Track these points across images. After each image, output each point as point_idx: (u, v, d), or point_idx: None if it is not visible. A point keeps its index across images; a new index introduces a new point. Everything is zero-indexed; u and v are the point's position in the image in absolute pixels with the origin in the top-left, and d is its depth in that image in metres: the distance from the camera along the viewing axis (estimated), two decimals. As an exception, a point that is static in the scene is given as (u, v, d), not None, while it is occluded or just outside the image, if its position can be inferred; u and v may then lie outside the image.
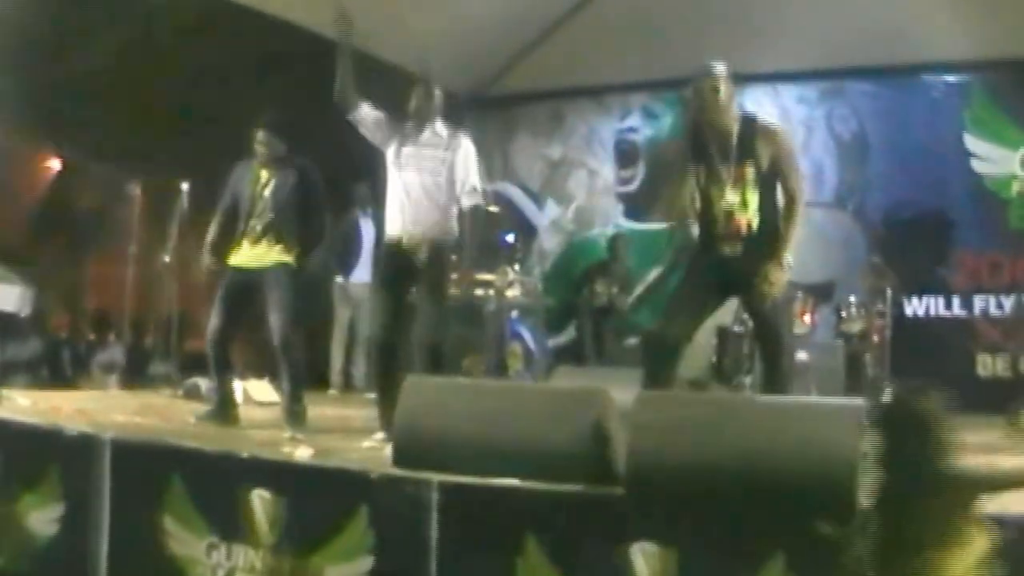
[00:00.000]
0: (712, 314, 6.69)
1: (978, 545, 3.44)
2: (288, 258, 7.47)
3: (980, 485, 3.51)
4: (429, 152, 7.03)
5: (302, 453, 5.78)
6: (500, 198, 11.97)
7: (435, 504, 5.02)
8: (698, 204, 6.25)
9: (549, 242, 13.15)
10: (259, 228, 7.46)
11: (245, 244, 7.49)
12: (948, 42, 10.60)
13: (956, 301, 11.26)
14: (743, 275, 6.09)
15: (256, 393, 8.74)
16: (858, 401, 5.41)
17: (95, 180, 12.41)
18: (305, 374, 7.68)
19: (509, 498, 4.95)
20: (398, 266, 7.03)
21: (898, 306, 10.65)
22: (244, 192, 7.54)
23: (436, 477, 5.04)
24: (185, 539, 5.60)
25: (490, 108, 13.19)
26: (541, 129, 13.30)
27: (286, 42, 10.05)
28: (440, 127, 7.15)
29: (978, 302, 11.18)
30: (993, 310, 11.11)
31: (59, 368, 11.96)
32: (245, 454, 5.80)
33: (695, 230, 6.35)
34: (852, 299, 10.25)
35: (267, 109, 7.82)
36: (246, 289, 7.45)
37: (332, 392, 10.79)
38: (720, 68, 6.13)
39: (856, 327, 10.09)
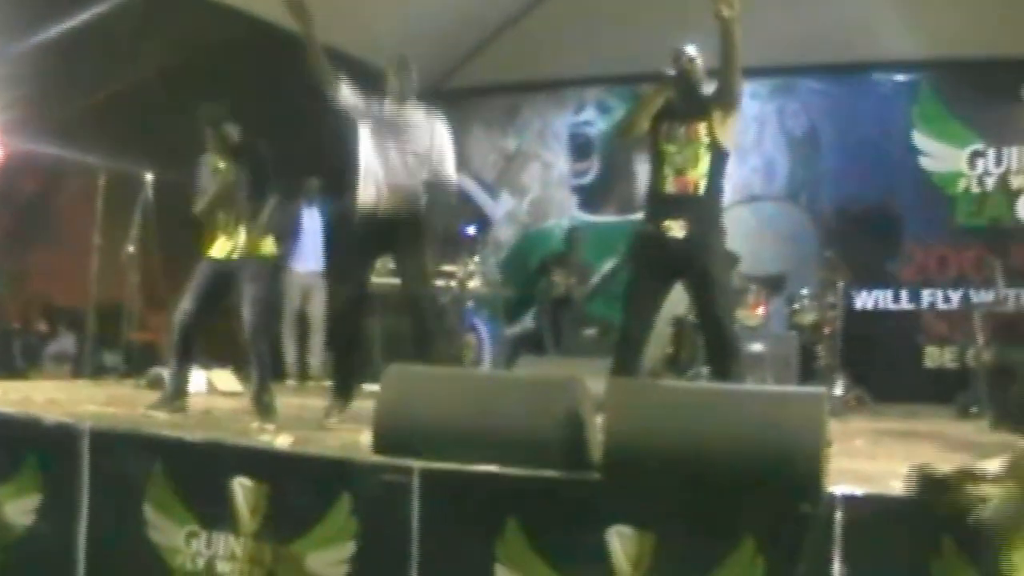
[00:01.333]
0: (664, 300, 6.90)
1: None
2: (266, 250, 7.53)
3: None
4: (406, 129, 7.31)
5: (282, 441, 5.87)
6: (455, 190, 12.09)
7: (416, 490, 5.14)
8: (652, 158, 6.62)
9: (504, 233, 13.28)
10: (232, 219, 7.46)
11: (221, 237, 7.49)
12: (897, 41, 10.85)
13: (904, 294, 11.56)
14: (687, 258, 6.37)
15: (220, 383, 8.82)
16: (822, 389, 5.65)
17: (44, 168, 12.35)
18: (271, 366, 7.72)
19: (489, 484, 5.06)
20: (370, 233, 7.24)
21: (848, 298, 10.89)
22: (211, 184, 7.53)
23: (417, 464, 5.18)
24: (165, 527, 5.63)
25: (446, 101, 13.23)
26: (496, 122, 13.43)
27: (237, 31, 10.09)
28: (416, 106, 7.43)
29: (925, 295, 11.49)
30: (940, 303, 11.42)
31: (10, 359, 11.93)
32: (227, 442, 5.84)
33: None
34: (804, 291, 10.43)
35: (217, 98, 7.78)
36: (222, 280, 7.45)
37: (290, 382, 10.87)
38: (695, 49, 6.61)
39: (808, 319, 10.26)
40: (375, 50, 11.42)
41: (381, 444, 5.43)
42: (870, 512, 4.59)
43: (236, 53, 10.23)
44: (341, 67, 10.80)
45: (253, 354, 7.45)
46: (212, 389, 8.79)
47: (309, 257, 11.42)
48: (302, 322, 11.42)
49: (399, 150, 7.25)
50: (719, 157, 6.49)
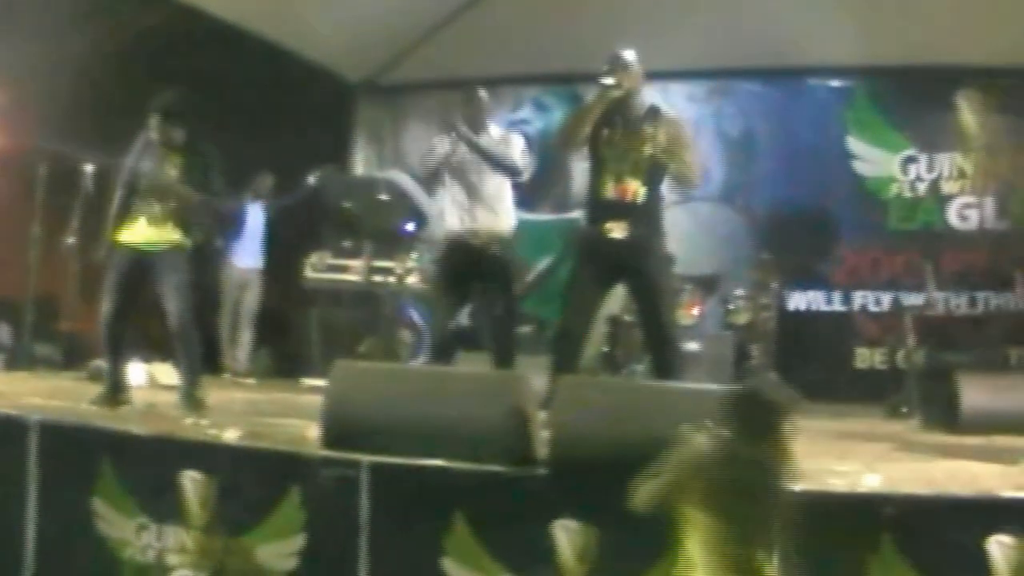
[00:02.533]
0: (605, 300, 7.09)
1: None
2: (183, 239, 7.49)
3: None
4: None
5: (231, 435, 5.99)
6: (392, 186, 12.17)
7: (364, 484, 5.31)
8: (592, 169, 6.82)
9: (440, 230, 13.36)
10: (161, 211, 7.43)
11: (142, 224, 7.45)
12: (834, 47, 11.08)
13: (836, 296, 11.81)
14: (628, 260, 6.56)
15: (162, 376, 8.87)
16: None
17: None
18: (201, 358, 7.72)
19: (437, 478, 5.23)
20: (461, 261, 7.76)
21: (782, 299, 11.15)
22: (146, 172, 7.49)
23: (365, 458, 5.34)
24: (115, 520, 5.75)
25: (382, 96, 13.42)
26: (433, 118, 13.48)
27: (189, 27, 10.16)
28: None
29: (857, 297, 11.75)
30: (872, 306, 11.69)
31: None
32: (176, 436, 5.96)
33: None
34: (739, 292, 10.66)
35: (168, 92, 7.74)
36: (140, 270, 7.41)
37: (226, 376, 10.95)
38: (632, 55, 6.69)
39: (743, 319, 10.50)
40: (311, 44, 11.60)
41: (329, 438, 5.59)
42: (808, 509, 4.81)
43: (186, 46, 10.28)
44: (276, 61, 11.03)
45: (181, 347, 7.46)
46: (153, 383, 8.86)
47: (248, 253, 11.49)
48: (235, 316, 11.48)
49: (480, 181, 7.91)
50: (659, 166, 6.66)
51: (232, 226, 11.29)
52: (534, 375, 5.99)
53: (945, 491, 5.17)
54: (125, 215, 7.51)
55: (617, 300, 9.06)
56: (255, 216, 11.55)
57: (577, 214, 11.68)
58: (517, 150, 7.83)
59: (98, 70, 10.04)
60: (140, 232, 7.46)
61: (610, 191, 6.62)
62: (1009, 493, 5.09)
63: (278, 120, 11.32)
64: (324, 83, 12.52)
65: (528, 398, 5.48)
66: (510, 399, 5.42)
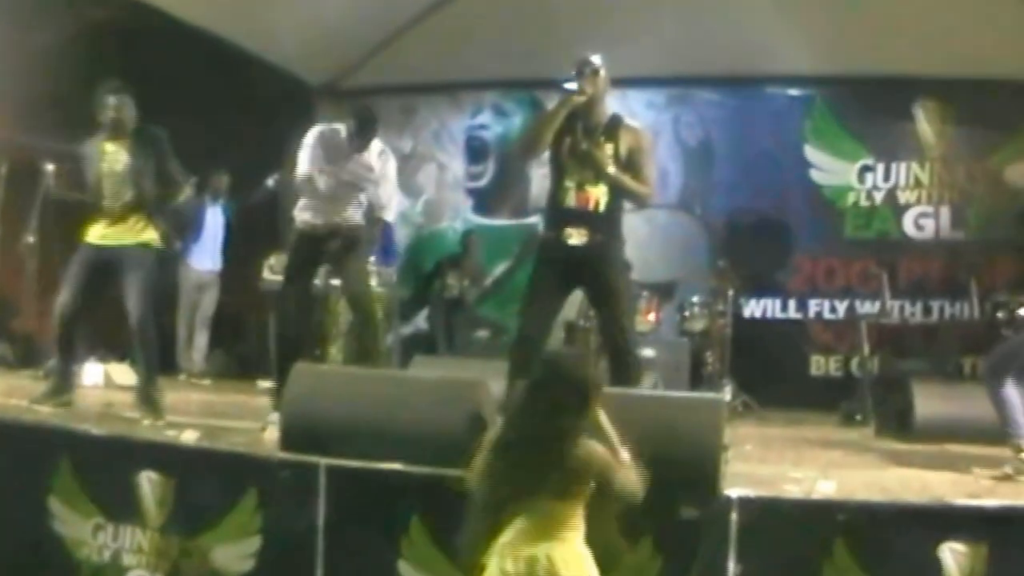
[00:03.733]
0: (563, 306, 7.13)
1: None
2: (150, 238, 7.47)
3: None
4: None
5: (188, 436, 6.01)
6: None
7: (322, 486, 5.34)
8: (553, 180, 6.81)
9: (399, 235, 13.39)
10: (118, 206, 7.40)
11: (104, 222, 7.41)
12: (792, 56, 11.16)
13: (792, 304, 11.92)
14: (588, 266, 6.61)
15: (118, 376, 8.86)
16: (721, 396, 5.95)
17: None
18: (158, 358, 7.64)
19: (393, 481, 5.28)
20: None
21: (737, 306, 11.23)
22: (97, 168, 7.45)
23: (323, 461, 5.38)
24: (71, 520, 5.76)
25: (343, 100, 13.40)
26: (393, 122, 13.43)
27: (151, 26, 10.15)
28: (375, 146, 7.82)
29: (813, 305, 11.86)
30: (827, 313, 11.80)
31: None
32: (133, 437, 5.99)
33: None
34: (695, 299, 10.75)
35: (113, 78, 7.66)
36: (103, 267, 7.36)
37: (182, 377, 10.95)
38: (600, 60, 6.68)
39: (699, 326, 10.59)
40: (272, 46, 11.60)
41: (288, 441, 5.63)
42: (764, 514, 4.90)
43: (147, 46, 10.26)
44: (237, 62, 11.03)
45: (139, 347, 7.38)
46: (109, 382, 8.84)
47: (207, 255, 11.47)
48: (191, 317, 11.47)
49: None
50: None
51: (190, 228, 11.24)
52: (492, 379, 6.04)
53: (898, 498, 5.29)
54: (87, 210, 7.49)
55: (573, 306, 9.10)
56: (214, 218, 11.52)
57: (535, 219, 11.86)
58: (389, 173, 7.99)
59: (58, 68, 10.00)
60: (105, 229, 7.42)
61: (571, 199, 6.64)
62: (961, 501, 5.21)
63: (238, 122, 11.31)
64: (285, 85, 12.51)
65: (487, 402, 5.54)
66: (468, 404, 5.47)
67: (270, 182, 11.35)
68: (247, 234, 11.66)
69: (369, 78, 12.99)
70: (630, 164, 6.63)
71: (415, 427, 5.42)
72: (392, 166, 8.02)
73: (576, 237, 6.59)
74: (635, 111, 12.23)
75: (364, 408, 5.57)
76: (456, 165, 13.36)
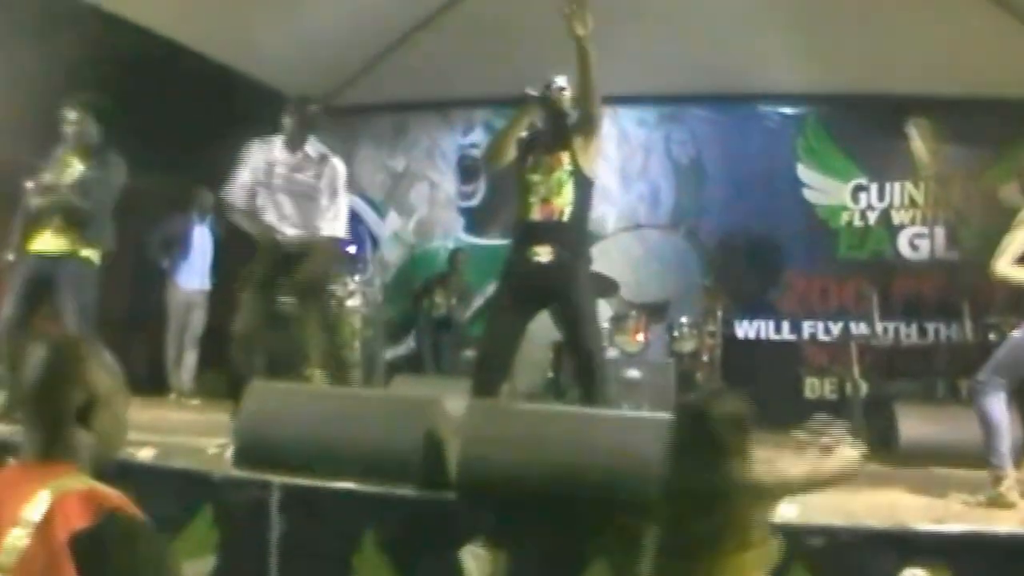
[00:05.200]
0: (528, 323, 7.12)
1: (765, 551, 3.75)
2: (89, 252, 7.45)
3: (769, 492, 3.88)
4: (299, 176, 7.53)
5: (144, 454, 6.01)
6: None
7: (276, 504, 5.36)
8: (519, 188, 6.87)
9: (390, 253, 13.43)
10: (62, 219, 7.39)
11: (47, 233, 7.41)
12: (785, 74, 11.18)
13: (785, 325, 11.88)
14: (553, 286, 6.62)
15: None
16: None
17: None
18: None
19: (347, 500, 5.31)
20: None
21: (729, 327, 11.21)
22: (50, 178, 7.45)
23: (277, 478, 5.39)
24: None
25: (335, 118, 13.43)
26: (385, 140, 13.55)
27: (140, 46, 10.17)
28: (311, 149, 7.62)
29: (806, 326, 11.81)
30: (821, 335, 11.75)
31: None
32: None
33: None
34: (684, 319, 10.70)
35: (82, 89, 7.74)
36: (44, 278, 7.36)
37: (171, 396, 10.95)
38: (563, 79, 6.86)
39: (688, 346, 10.54)
40: (263, 67, 11.63)
41: (242, 458, 5.63)
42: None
43: (136, 65, 10.28)
44: (228, 84, 11.05)
45: None
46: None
47: (195, 274, 11.48)
48: (181, 337, 11.48)
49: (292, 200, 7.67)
50: (583, 185, 6.75)
51: (178, 246, 11.29)
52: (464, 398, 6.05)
53: (860, 523, 5.25)
54: (31, 222, 7.47)
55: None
56: (202, 236, 11.54)
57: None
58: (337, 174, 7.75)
59: (45, 87, 10.04)
60: (45, 240, 7.43)
61: (536, 213, 6.69)
62: (923, 526, 5.17)
63: (227, 140, 11.33)
64: (275, 104, 12.51)
65: (443, 421, 5.54)
66: (425, 422, 5.48)
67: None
68: (235, 252, 11.65)
69: (361, 96, 13.00)
70: (581, 123, 6.74)
71: (369, 445, 5.43)
72: (339, 174, 7.75)
73: (543, 255, 6.61)
74: (626, 129, 12.37)
75: (319, 426, 5.59)
76: (448, 184, 13.38)
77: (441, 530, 5.17)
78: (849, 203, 11.81)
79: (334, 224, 7.64)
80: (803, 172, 11.91)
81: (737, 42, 10.79)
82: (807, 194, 11.90)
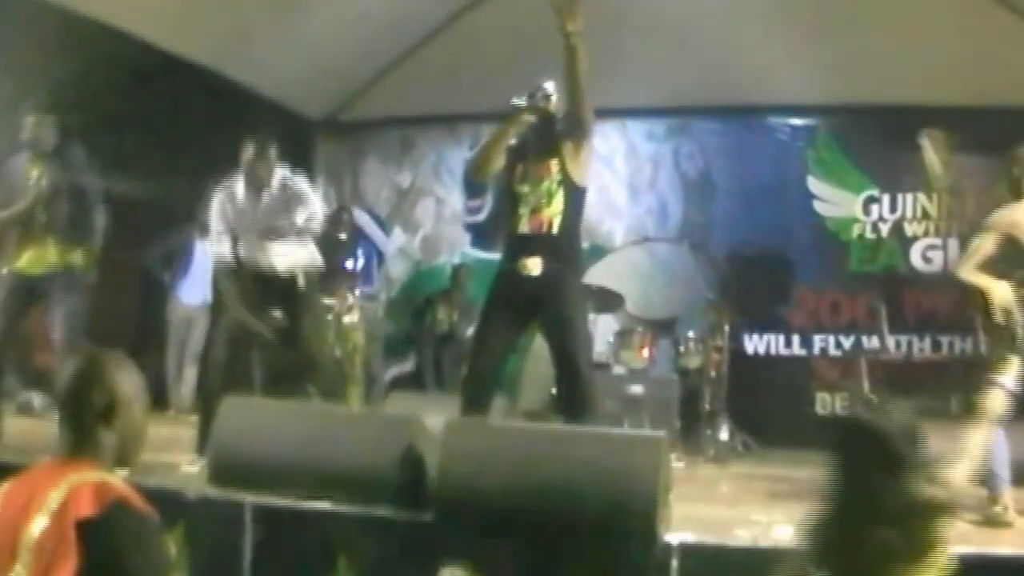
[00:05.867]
0: (518, 338, 7.01)
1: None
2: (75, 261, 7.44)
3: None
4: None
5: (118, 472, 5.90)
6: (349, 224, 12.16)
7: (248, 525, 5.26)
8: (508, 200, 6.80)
9: (395, 269, 13.33)
10: (38, 228, 7.36)
11: (30, 247, 7.39)
12: (795, 85, 11.01)
13: (796, 339, 11.69)
14: (542, 297, 6.50)
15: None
16: (659, 433, 5.76)
17: None
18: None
19: (321, 521, 5.22)
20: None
21: (737, 342, 11.04)
22: (17, 187, 7.41)
23: (250, 498, 5.28)
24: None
25: (340, 133, 13.39)
26: (391, 155, 13.45)
27: (145, 62, 10.14)
28: (277, 180, 7.51)
29: (817, 341, 11.61)
30: (832, 349, 11.55)
31: None
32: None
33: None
34: (690, 334, 10.55)
35: (41, 92, 7.72)
36: (28, 294, 7.34)
37: (171, 413, 10.86)
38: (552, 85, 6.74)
39: (694, 362, 10.39)
40: (270, 82, 11.58)
41: (216, 477, 5.53)
42: (707, 561, 4.74)
43: (141, 81, 10.25)
44: (235, 98, 11.00)
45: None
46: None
47: (197, 289, 11.40)
48: (181, 352, 11.41)
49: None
50: (574, 194, 6.65)
51: (179, 261, 11.25)
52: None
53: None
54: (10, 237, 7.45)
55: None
56: (203, 251, 11.45)
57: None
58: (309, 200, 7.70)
59: (56, 105, 10.03)
60: (27, 257, 7.41)
61: (525, 225, 6.60)
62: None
63: (230, 154, 11.28)
64: (282, 120, 12.47)
65: (423, 440, 5.43)
66: (402, 441, 5.37)
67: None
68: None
69: (366, 110, 12.97)
70: (570, 129, 6.60)
71: (345, 464, 5.32)
72: (310, 197, 7.73)
73: (533, 268, 6.52)
74: (634, 142, 12.25)
75: (294, 444, 5.50)
76: (454, 199, 13.26)
77: (418, 552, 5.08)
78: (860, 215, 11.59)
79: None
80: (814, 184, 11.70)
81: (746, 52, 10.67)
82: (817, 206, 11.69)
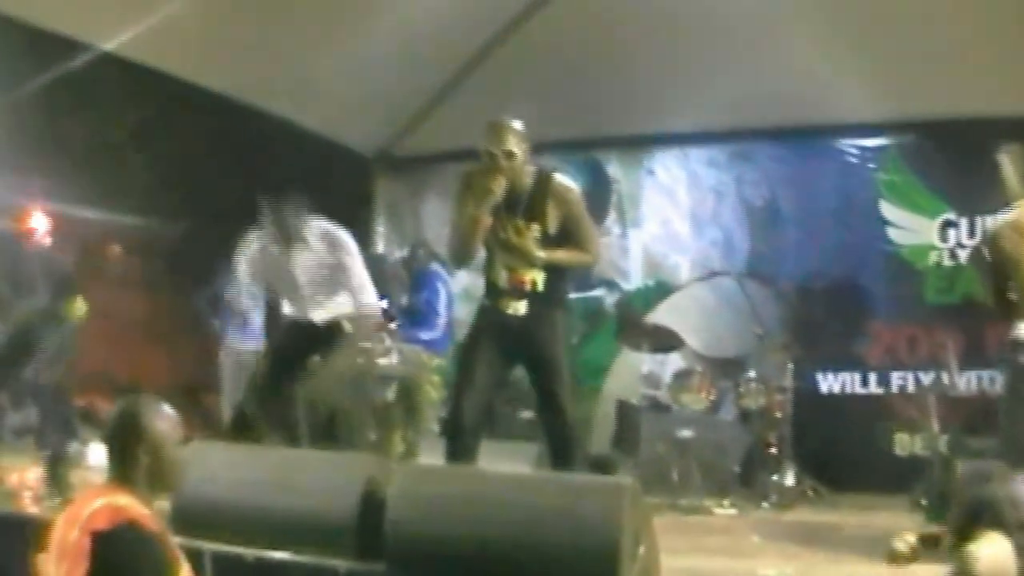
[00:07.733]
0: (504, 380, 6.95)
1: None
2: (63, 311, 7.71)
3: None
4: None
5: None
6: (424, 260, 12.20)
7: (209, 573, 5.25)
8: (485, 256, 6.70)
9: (460, 311, 13.28)
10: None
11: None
12: (861, 103, 10.84)
13: (872, 377, 11.45)
14: (525, 336, 6.42)
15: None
16: (624, 479, 5.63)
17: None
18: (70, 429, 7.80)
19: (278, 572, 5.19)
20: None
21: (808, 381, 10.86)
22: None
23: (209, 547, 5.28)
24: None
25: (397, 169, 13.45)
26: (449, 190, 13.38)
27: (196, 103, 10.32)
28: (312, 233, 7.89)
29: (895, 378, 11.36)
30: (910, 386, 11.25)
31: None
32: (24, 516, 6.01)
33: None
34: (751, 374, 10.41)
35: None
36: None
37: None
38: (516, 124, 6.66)
39: (756, 403, 10.22)
40: (322, 118, 11.70)
41: (177, 523, 5.54)
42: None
43: (194, 124, 10.46)
44: (293, 139, 11.15)
45: (41, 415, 7.65)
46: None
47: (249, 334, 11.50)
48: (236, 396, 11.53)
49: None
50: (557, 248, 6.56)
51: (227, 307, 11.36)
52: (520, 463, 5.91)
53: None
54: None
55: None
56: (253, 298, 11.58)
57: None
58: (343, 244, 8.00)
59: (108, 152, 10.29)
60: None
61: (504, 281, 6.55)
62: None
63: (281, 194, 11.40)
64: (339, 158, 12.58)
65: (383, 485, 5.38)
66: (362, 485, 5.33)
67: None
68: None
69: (424, 144, 13.00)
70: (564, 235, 6.50)
71: (306, 512, 5.31)
72: (344, 244, 7.89)
73: (518, 309, 6.46)
74: (696, 171, 12.13)
75: (256, 489, 5.49)
76: (520, 235, 13.16)
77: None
78: (937, 242, 11.32)
79: (361, 295, 7.72)
80: (886, 209, 11.46)
81: (809, 71, 10.54)
82: (891, 233, 11.45)
